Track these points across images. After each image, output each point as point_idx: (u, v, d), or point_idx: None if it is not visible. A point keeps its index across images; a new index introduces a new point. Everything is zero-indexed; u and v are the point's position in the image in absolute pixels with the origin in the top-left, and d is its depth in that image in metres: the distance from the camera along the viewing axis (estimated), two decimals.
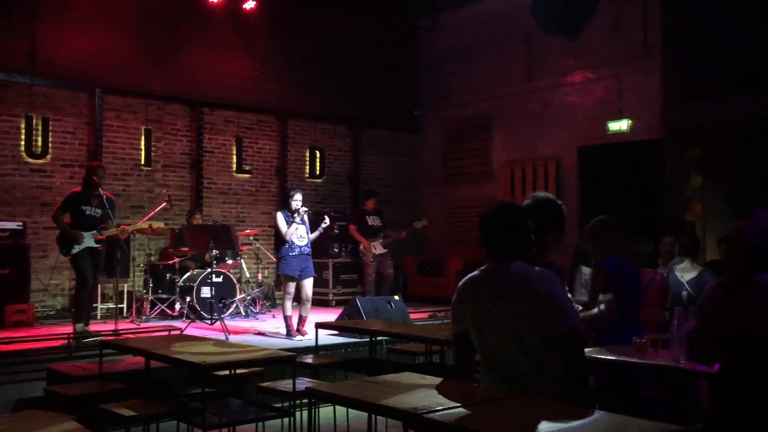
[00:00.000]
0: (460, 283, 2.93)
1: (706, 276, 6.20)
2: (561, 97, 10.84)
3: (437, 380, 3.15)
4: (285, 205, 7.59)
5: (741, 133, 9.45)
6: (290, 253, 7.34)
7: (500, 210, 2.85)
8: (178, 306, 8.68)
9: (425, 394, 2.85)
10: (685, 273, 6.31)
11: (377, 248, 9.65)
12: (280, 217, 7.40)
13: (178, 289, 8.68)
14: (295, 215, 7.36)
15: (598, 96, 10.35)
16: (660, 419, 2.53)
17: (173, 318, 8.56)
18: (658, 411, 3.34)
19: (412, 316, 8.23)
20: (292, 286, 7.37)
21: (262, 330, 7.87)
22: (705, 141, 9.37)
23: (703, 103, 8.83)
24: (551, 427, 2.37)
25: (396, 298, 7.96)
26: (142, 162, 9.95)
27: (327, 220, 7.52)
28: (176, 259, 8.97)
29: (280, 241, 7.51)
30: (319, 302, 10.26)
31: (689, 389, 3.93)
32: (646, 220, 9.26)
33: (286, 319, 7.35)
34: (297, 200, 7.41)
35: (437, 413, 2.55)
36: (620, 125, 9.93)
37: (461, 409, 2.61)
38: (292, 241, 7.34)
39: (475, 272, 2.90)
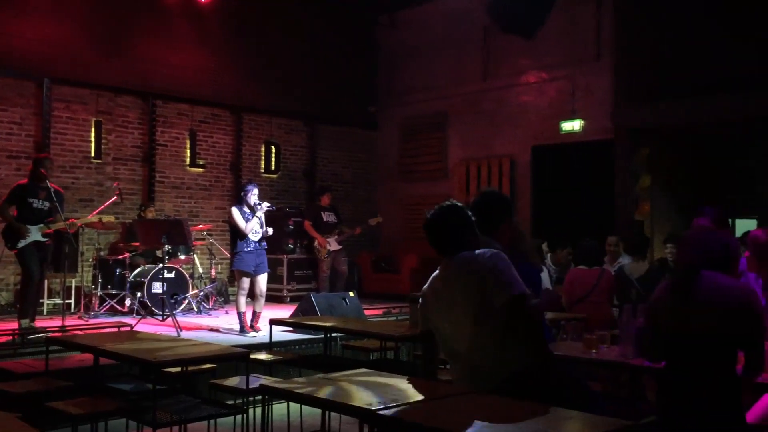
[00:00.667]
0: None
1: (654, 273, 6.36)
2: (516, 96, 10.97)
3: (392, 376, 3.17)
4: (239, 200, 7.51)
5: (688, 134, 9.73)
6: (245, 249, 7.27)
7: (438, 212, 3.09)
8: (128, 302, 8.51)
9: (380, 391, 2.87)
10: (634, 271, 6.45)
11: (332, 244, 9.63)
12: (236, 213, 7.31)
13: (128, 284, 8.52)
14: (256, 208, 7.28)
15: (552, 96, 10.51)
16: (608, 414, 2.59)
17: (123, 314, 8.40)
18: (607, 406, 3.42)
19: (367, 312, 8.23)
20: (246, 282, 7.30)
21: (215, 326, 7.79)
22: (653, 142, 9.60)
23: (652, 105, 9.05)
24: (500, 422, 2.40)
25: (351, 294, 7.96)
26: (92, 154, 9.72)
27: (265, 206, 7.37)
28: (127, 254, 8.80)
29: (236, 236, 7.43)
30: (274, 298, 10.20)
31: (637, 385, 4.03)
32: (597, 218, 9.45)
33: (240, 315, 7.29)
34: (252, 195, 7.33)
35: (392, 409, 2.57)
36: (573, 125, 10.10)
37: (416, 405, 2.63)
38: (246, 236, 7.27)
39: (435, 272, 3.08)
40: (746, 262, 3.85)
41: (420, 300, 3.09)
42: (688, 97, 8.62)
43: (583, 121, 10.02)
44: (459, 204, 3.15)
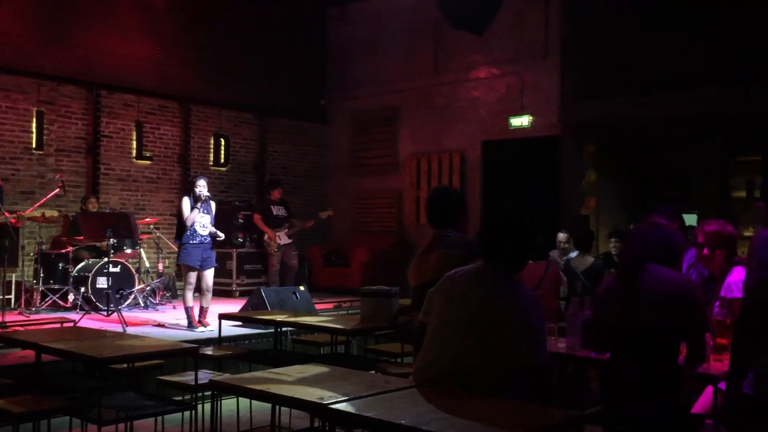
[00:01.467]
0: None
1: (599, 267, 6.52)
2: (466, 91, 11.07)
3: (342, 370, 3.17)
4: (188, 193, 7.39)
5: (632, 131, 9.98)
6: (191, 242, 7.15)
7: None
8: (71, 297, 8.29)
9: (331, 385, 2.86)
10: (579, 264, 6.59)
11: (282, 238, 9.57)
12: (185, 201, 7.21)
13: (71, 279, 8.30)
14: (199, 202, 7.17)
15: (502, 92, 10.64)
16: (555, 405, 2.64)
17: (66, 310, 8.18)
18: (552, 396, 3.48)
19: (318, 306, 8.21)
20: (193, 276, 7.19)
21: (162, 321, 7.65)
22: (599, 138, 9.82)
23: (598, 102, 9.25)
24: (449, 414, 2.43)
25: (301, 288, 7.92)
26: (34, 146, 9.42)
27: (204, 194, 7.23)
28: (70, 248, 8.57)
29: (181, 228, 7.30)
30: (223, 293, 10.08)
31: (583, 376, 4.12)
32: (545, 213, 9.62)
33: (188, 310, 7.18)
34: (201, 186, 7.22)
35: (343, 403, 2.57)
36: (522, 121, 10.25)
37: (367, 399, 2.63)
38: (194, 230, 7.15)
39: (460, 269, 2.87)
40: (695, 255, 3.96)
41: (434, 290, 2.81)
42: (633, 95, 8.84)
43: (531, 117, 10.18)
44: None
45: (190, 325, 7.14)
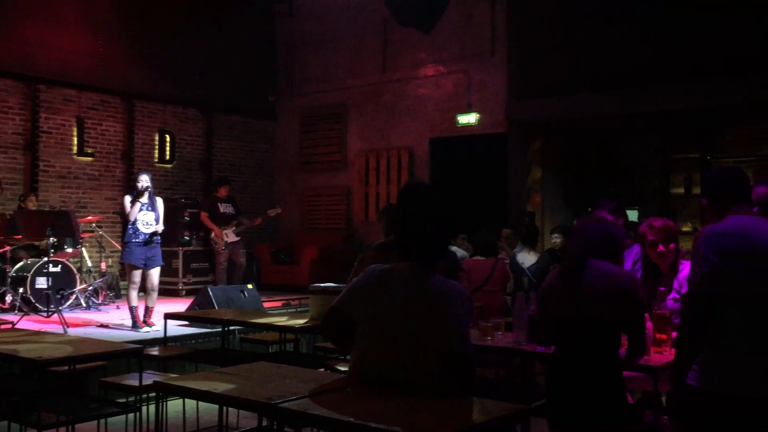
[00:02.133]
0: None
1: (544, 262, 6.63)
2: (414, 89, 11.12)
3: (291, 369, 3.14)
4: (131, 191, 7.24)
5: (576, 128, 10.19)
6: (134, 240, 7.00)
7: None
8: (9, 298, 8.02)
9: (279, 384, 2.84)
10: (525, 260, 6.70)
11: (229, 236, 9.45)
12: (126, 199, 7.09)
13: (9, 279, 8.03)
14: (141, 197, 7.03)
15: (449, 90, 10.73)
16: (501, 399, 2.68)
17: (3, 311, 7.91)
18: (500, 391, 3.53)
19: (266, 304, 8.14)
20: (137, 275, 7.04)
21: (106, 322, 7.47)
22: (544, 136, 10.00)
23: (543, 100, 9.41)
24: (396, 413, 2.44)
25: (249, 286, 7.84)
26: None
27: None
28: (7, 248, 8.29)
29: (126, 226, 7.15)
30: (169, 292, 9.90)
31: (529, 370, 4.19)
32: (492, 209, 9.76)
33: (132, 310, 7.03)
34: (143, 182, 7.07)
35: (291, 402, 2.55)
36: (469, 119, 10.35)
37: (316, 397, 2.62)
38: (137, 228, 7.00)
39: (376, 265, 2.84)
40: (640, 251, 4.05)
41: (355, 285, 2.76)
42: (578, 93, 9.03)
43: (478, 115, 10.29)
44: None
45: (135, 326, 6.99)
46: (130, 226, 7.03)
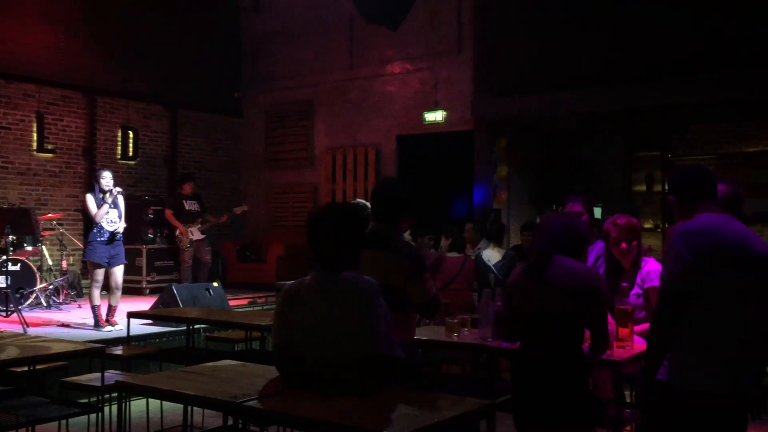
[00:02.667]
0: None
1: (510, 259, 6.68)
2: (381, 86, 11.11)
3: (257, 367, 3.12)
4: (93, 187, 7.10)
5: (542, 126, 10.29)
6: (98, 239, 6.88)
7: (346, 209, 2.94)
8: None
9: (244, 382, 2.81)
10: (491, 257, 6.74)
11: (195, 234, 9.35)
12: (90, 199, 6.93)
13: None
14: (106, 196, 6.91)
15: (416, 87, 10.74)
16: (468, 394, 2.69)
17: None
18: (466, 386, 3.56)
19: (232, 302, 8.08)
20: (100, 274, 6.92)
21: (67, 321, 7.34)
22: (510, 133, 10.07)
23: (509, 98, 9.47)
24: (363, 409, 2.43)
25: (215, 284, 7.76)
26: None
27: (115, 191, 6.96)
28: None
29: (89, 225, 7.01)
30: (133, 290, 9.75)
31: (495, 366, 4.22)
32: (459, 206, 9.80)
33: (94, 308, 6.91)
34: (106, 179, 6.95)
35: (256, 400, 2.53)
36: (436, 116, 10.38)
37: (281, 395, 2.60)
38: (101, 226, 6.88)
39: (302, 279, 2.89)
40: (603, 248, 4.11)
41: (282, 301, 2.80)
42: (543, 91, 9.11)
43: (445, 112, 10.32)
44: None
45: (97, 325, 6.87)
46: (94, 224, 6.91)
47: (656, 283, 3.48)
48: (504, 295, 3.19)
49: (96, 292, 6.90)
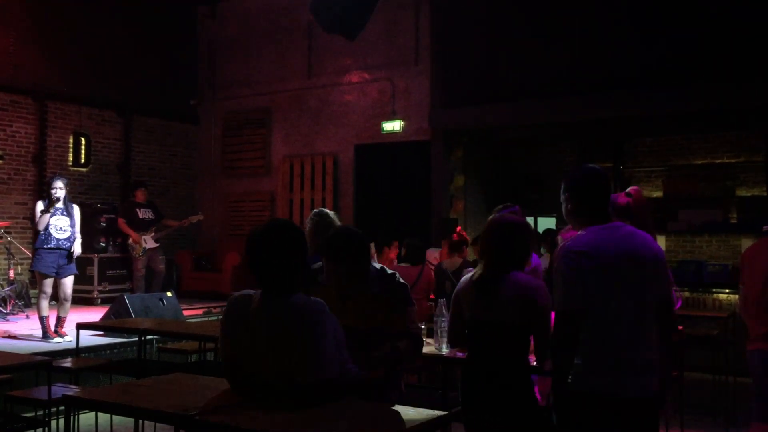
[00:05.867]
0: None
1: (465, 268, 6.74)
2: (339, 95, 11.11)
3: (209, 379, 3.07)
4: (43, 195, 6.94)
5: (497, 137, 10.41)
6: (45, 246, 6.69)
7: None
8: None
9: (197, 395, 2.77)
10: (449, 266, 6.79)
11: (148, 242, 9.19)
12: (39, 205, 6.80)
13: None
14: (56, 203, 6.75)
15: (374, 96, 10.77)
16: (422, 405, 2.70)
17: None
18: (421, 398, 3.56)
19: (187, 312, 7.95)
20: (48, 284, 6.74)
21: (14, 332, 7.12)
22: (467, 143, 10.17)
23: (465, 108, 9.57)
24: (317, 422, 2.42)
25: (168, 294, 7.64)
26: None
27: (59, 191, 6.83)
28: None
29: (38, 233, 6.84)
30: (83, 300, 9.53)
31: (450, 376, 4.24)
32: (416, 216, 9.83)
33: (42, 319, 6.72)
34: (57, 188, 6.79)
35: (209, 414, 2.49)
36: (393, 126, 10.42)
37: (235, 408, 2.57)
38: (49, 233, 6.70)
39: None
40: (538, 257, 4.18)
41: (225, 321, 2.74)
42: (498, 102, 9.23)
43: (403, 122, 10.37)
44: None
45: (45, 336, 6.69)
46: (42, 232, 6.73)
47: None
48: (453, 300, 3.22)
49: (44, 303, 6.71)
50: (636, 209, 3.25)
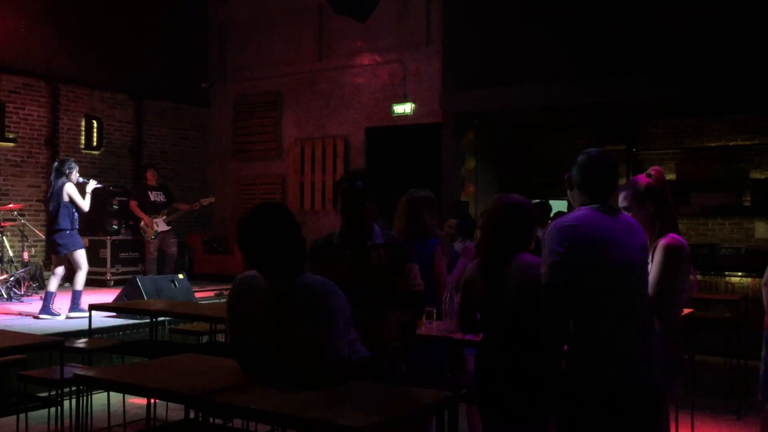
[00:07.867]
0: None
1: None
2: (350, 78, 11.07)
3: (220, 360, 3.09)
4: (59, 177, 7.10)
5: (508, 120, 10.35)
6: (77, 227, 7.13)
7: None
8: None
9: (208, 375, 2.79)
10: (461, 249, 6.76)
11: (160, 225, 9.25)
12: (73, 189, 7.03)
13: None
14: (87, 187, 7.16)
15: (385, 79, 10.73)
16: (431, 386, 2.71)
17: None
18: (426, 379, 3.57)
19: (198, 294, 8.01)
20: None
21: (28, 313, 7.20)
22: (478, 126, 10.12)
23: (477, 91, 9.51)
24: (326, 403, 2.43)
25: (180, 276, 7.68)
26: None
27: (92, 183, 7.36)
28: None
29: (66, 213, 6.99)
30: (96, 282, 9.61)
31: (458, 358, 4.25)
32: None
33: (77, 294, 7.05)
34: (76, 171, 7.17)
35: (219, 393, 2.51)
36: (404, 108, 10.38)
37: (245, 388, 2.59)
38: (76, 216, 7.09)
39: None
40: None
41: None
42: (510, 85, 9.16)
43: (414, 105, 10.33)
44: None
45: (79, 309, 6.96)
46: (75, 212, 7.04)
47: None
48: (462, 289, 3.20)
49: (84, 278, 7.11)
50: (658, 188, 3.19)
